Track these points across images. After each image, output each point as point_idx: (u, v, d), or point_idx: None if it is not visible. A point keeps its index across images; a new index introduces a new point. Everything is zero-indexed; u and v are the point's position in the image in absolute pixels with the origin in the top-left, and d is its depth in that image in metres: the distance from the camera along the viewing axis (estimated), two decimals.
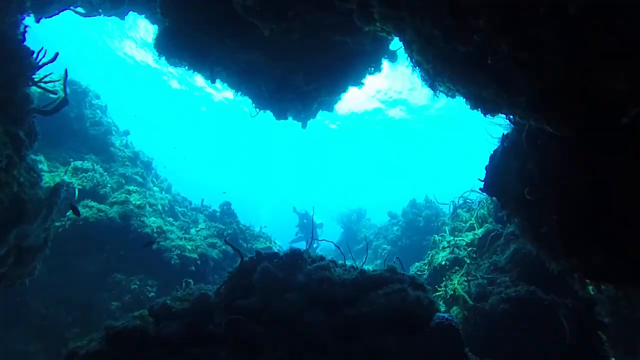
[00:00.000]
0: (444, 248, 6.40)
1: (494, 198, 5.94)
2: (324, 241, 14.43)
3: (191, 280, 4.36)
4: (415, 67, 3.42)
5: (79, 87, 8.97)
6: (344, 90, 6.41)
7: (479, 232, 6.37)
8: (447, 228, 7.73)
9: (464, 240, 6.43)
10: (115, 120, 11.02)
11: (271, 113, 7.88)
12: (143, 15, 6.95)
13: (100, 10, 6.46)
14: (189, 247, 7.85)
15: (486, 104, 3.11)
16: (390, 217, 14.69)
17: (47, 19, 5.26)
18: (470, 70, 2.74)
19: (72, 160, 7.86)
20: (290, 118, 8.76)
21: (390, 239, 13.38)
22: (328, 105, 8.38)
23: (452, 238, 6.47)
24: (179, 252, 7.63)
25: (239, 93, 7.02)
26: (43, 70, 4.46)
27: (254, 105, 7.66)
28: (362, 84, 6.74)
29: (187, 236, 8.36)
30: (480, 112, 3.40)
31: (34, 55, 4.07)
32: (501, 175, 3.53)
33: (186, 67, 6.68)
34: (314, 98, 6.40)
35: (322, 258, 4.18)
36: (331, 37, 5.26)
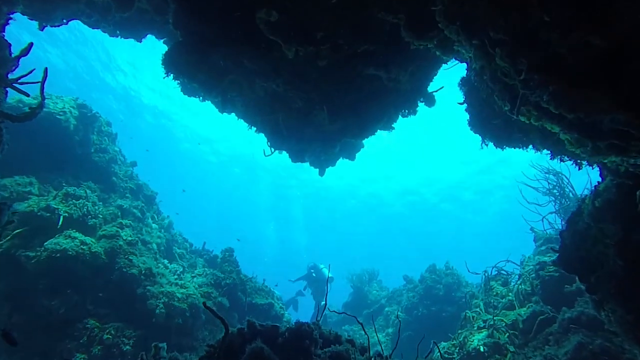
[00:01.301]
0: (479, 329, 5.26)
1: (542, 272, 4.87)
2: (330, 309, 13.26)
3: (164, 346, 3.37)
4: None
5: (88, 111, 8.54)
6: (372, 132, 5.68)
7: (523, 312, 5.24)
8: (480, 303, 6.57)
9: (503, 320, 5.29)
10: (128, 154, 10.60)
11: (287, 153, 7.23)
12: (162, 40, 6.60)
13: (117, 32, 6.12)
14: (179, 296, 6.84)
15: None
16: (406, 281, 13.40)
17: (53, 27, 4.83)
18: None
19: (65, 185, 7.19)
20: (308, 162, 8.09)
21: (405, 306, 12.03)
22: (350, 152, 7.70)
23: (489, 317, 5.33)
24: (166, 300, 6.63)
25: (254, 128, 6.41)
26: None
27: (268, 143, 7.01)
28: (392, 128, 6.05)
29: (179, 282, 7.38)
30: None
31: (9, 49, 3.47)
32: (587, 246, 2.60)
33: (200, 97, 6.19)
34: (337, 139, 5.68)
35: (337, 338, 3.18)
36: (363, 69, 4.63)
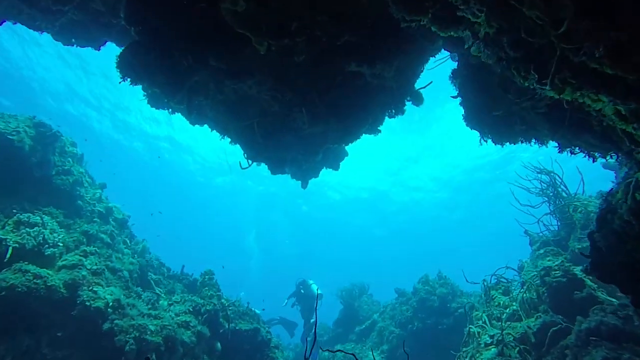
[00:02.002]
0: (487, 345, 4.76)
1: (548, 278, 4.44)
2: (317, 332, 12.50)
3: None
4: None
5: (47, 130, 7.82)
6: (357, 136, 5.21)
7: (532, 324, 4.78)
8: (483, 315, 6.09)
9: (510, 334, 4.81)
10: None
11: (266, 165, 6.72)
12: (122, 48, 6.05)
13: (73, 40, 5.55)
14: (152, 328, 6.13)
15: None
16: (398, 294, 12.86)
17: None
18: None
19: (18, 212, 6.45)
20: (289, 175, 7.61)
21: (399, 320, 11.47)
22: (334, 160, 7.25)
23: (497, 331, 4.84)
24: (137, 334, 5.92)
25: (226, 138, 5.87)
26: None
27: (245, 155, 6.50)
28: (378, 130, 5.60)
29: (153, 312, 6.66)
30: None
31: None
32: (627, 248, 2.15)
33: (169, 109, 5.68)
34: (318, 145, 5.20)
35: None
36: (345, 65, 4.17)
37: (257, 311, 9.16)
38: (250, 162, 6.56)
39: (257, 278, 52.15)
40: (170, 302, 7.96)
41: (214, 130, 5.89)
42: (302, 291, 13.34)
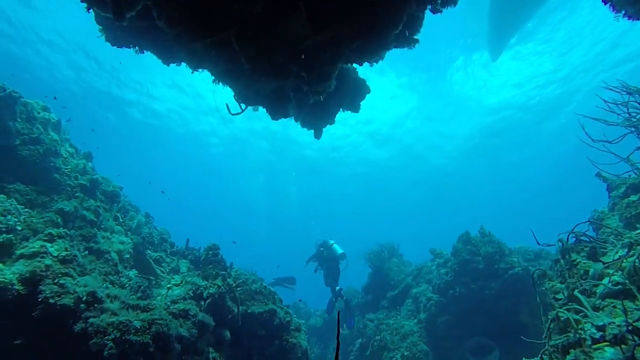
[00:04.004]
0: (595, 342, 3.22)
1: None
2: (340, 297, 11.26)
3: None
4: None
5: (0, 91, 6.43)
6: (384, 45, 3.47)
7: None
8: (561, 288, 4.54)
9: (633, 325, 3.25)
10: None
11: (263, 108, 5.17)
12: None
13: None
14: (137, 325, 4.90)
15: None
16: (434, 255, 11.45)
17: None
18: None
19: None
20: (296, 120, 6.07)
21: (437, 284, 10.11)
22: (353, 96, 5.64)
23: (609, 320, 3.28)
24: (118, 334, 4.70)
25: (204, 73, 4.30)
26: None
27: (235, 97, 4.95)
28: (415, 40, 3.86)
29: (141, 303, 5.43)
30: None
31: None
32: None
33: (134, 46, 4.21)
34: (328, 62, 3.51)
35: None
36: None
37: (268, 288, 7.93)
38: (243, 106, 5.05)
39: (266, 239, 51.75)
40: (169, 286, 6.77)
41: (184, 63, 4.34)
42: (324, 253, 12.09)
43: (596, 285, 4.16)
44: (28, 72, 20.28)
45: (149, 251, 8.28)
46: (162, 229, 10.95)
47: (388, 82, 23.75)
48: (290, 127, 26.83)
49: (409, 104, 25.85)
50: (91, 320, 4.70)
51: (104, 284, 5.56)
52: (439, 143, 30.14)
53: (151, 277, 6.49)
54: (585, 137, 6.48)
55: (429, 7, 3.35)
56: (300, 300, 16.63)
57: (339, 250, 11.73)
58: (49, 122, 7.72)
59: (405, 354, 9.08)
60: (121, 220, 7.99)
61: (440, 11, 3.37)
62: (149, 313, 5.23)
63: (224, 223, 49.41)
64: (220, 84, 4.61)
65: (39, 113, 7.64)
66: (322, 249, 12.12)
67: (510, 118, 26.42)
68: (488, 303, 9.01)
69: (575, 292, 3.91)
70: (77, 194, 7.31)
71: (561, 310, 3.77)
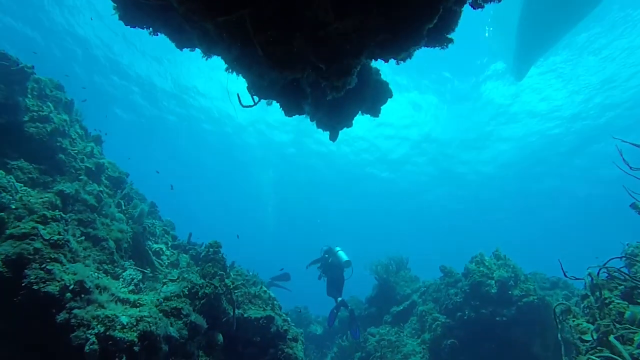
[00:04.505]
0: None
1: None
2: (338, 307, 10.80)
3: None
4: None
5: (12, 64, 6.26)
6: (416, 41, 3.09)
7: None
8: (590, 329, 4.07)
9: None
10: None
11: (277, 104, 4.86)
12: None
13: None
14: (124, 321, 4.60)
15: None
16: (444, 273, 10.95)
17: None
18: None
19: None
20: (312, 120, 5.74)
21: (445, 305, 9.62)
22: (375, 98, 5.31)
23: None
24: (102, 329, 4.41)
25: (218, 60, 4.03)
26: None
27: (248, 88, 4.65)
28: (446, 43, 3.47)
29: (132, 298, 5.15)
30: None
31: None
32: None
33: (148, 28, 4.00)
34: (351, 54, 3.15)
35: None
36: None
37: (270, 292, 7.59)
38: (255, 98, 4.74)
39: (273, 233, 51.40)
40: (164, 281, 6.48)
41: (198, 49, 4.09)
42: (329, 260, 11.66)
43: (635, 332, 3.68)
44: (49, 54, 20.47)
45: (149, 242, 8.05)
46: (167, 221, 10.73)
47: (419, 95, 23.62)
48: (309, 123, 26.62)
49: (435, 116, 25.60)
50: (75, 311, 4.42)
51: (96, 274, 5.28)
52: (470, 161, 29.59)
53: (147, 270, 6.22)
54: (622, 165, 5.98)
55: (468, 0, 2.96)
56: (300, 311, 16.29)
57: (344, 257, 11.31)
58: (60, 102, 7.57)
59: None
60: (124, 207, 7.76)
61: (482, 6, 2.98)
62: (138, 309, 4.94)
63: (232, 214, 49.28)
64: (234, 73, 4.33)
65: (51, 91, 7.50)
66: (326, 255, 11.71)
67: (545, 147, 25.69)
68: (498, 330, 8.50)
69: (611, 338, 3.45)
70: (80, 177, 7.11)
71: (593, 357, 3.32)
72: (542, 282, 10.68)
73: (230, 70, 4.33)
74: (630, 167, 6.04)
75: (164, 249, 8.23)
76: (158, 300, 5.55)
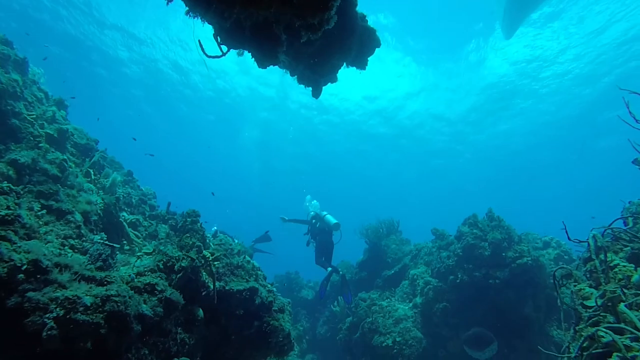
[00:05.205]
0: None
1: None
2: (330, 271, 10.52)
3: None
4: None
5: None
6: None
7: None
8: (593, 294, 3.75)
9: None
10: None
11: (248, 53, 4.25)
12: None
13: None
14: (88, 302, 4.16)
15: None
16: (436, 236, 10.71)
17: None
18: None
19: None
20: (288, 72, 5.22)
21: (437, 268, 9.43)
22: (361, 48, 4.78)
23: None
24: (61, 312, 3.97)
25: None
26: None
27: (214, 35, 4.03)
28: None
29: (98, 275, 4.69)
30: None
31: None
32: None
33: None
34: None
35: None
36: None
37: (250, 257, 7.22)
38: (224, 48, 4.12)
39: (257, 191, 50.96)
40: (139, 254, 6.05)
41: None
42: (316, 225, 11.31)
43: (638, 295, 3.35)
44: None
45: (124, 213, 7.55)
46: (147, 189, 10.19)
47: (395, 59, 22.87)
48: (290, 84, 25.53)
49: (416, 83, 24.88)
50: (30, 294, 3.95)
51: (58, 250, 4.80)
52: (442, 122, 29.00)
53: (116, 245, 5.73)
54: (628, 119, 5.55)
55: None
56: (291, 276, 16.14)
57: (332, 220, 10.94)
58: (9, 59, 6.78)
59: (398, 339, 8.51)
60: (93, 177, 7.18)
61: None
62: (105, 287, 4.49)
63: (214, 174, 48.54)
64: (198, 17, 3.67)
65: None
66: (314, 221, 11.35)
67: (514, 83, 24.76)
68: (491, 293, 8.34)
69: (622, 307, 3.10)
70: (40, 145, 6.46)
71: (602, 329, 2.98)
72: (535, 242, 10.52)
73: (191, 14, 3.65)
74: (637, 121, 5.61)
75: (141, 219, 7.74)
76: (130, 276, 5.11)
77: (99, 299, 4.24)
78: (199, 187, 44.92)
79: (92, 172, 7.28)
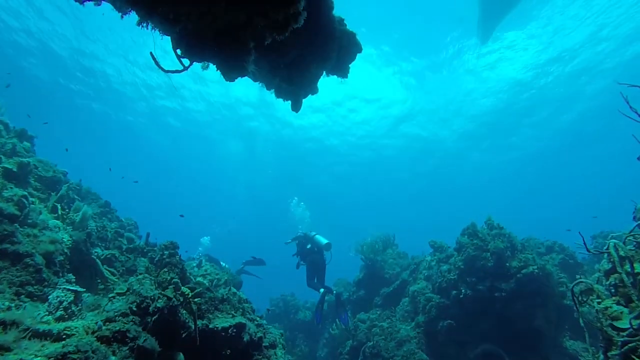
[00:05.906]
0: None
1: None
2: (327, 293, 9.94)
3: None
4: None
5: None
6: None
7: None
8: (622, 310, 3.28)
9: None
10: None
11: (212, 65, 3.78)
12: None
13: None
14: None
15: None
16: (434, 248, 10.21)
17: None
18: None
19: None
20: (263, 86, 4.81)
21: (438, 283, 8.91)
22: (340, 55, 4.41)
23: None
24: None
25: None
26: None
27: (174, 47, 3.57)
28: None
29: (56, 328, 4.09)
30: None
31: None
32: None
33: None
34: None
35: None
36: None
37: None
38: (186, 62, 3.65)
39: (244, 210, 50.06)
40: (112, 295, 5.43)
41: None
42: (306, 246, 10.79)
43: None
44: None
45: (97, 249, 6.95)
46: (127, 219, 9.61)
47: (383, 70, 23.02)
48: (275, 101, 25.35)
49: (406, 93, 24.98)
50: None
51: (7, 303, 4.20)
52: (440, 130, 28.98)
53: (80, 290, 5.12)
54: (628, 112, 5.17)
55: None
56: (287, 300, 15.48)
57: (322, 240, 10.47)
58: None
59: None
60: (60, 212, 6.59)
61: None
62: (62, 343, 3.89)
63: (203, 196, 47.85)
64: (149, 25, 3.20)
65: None
66: (304, 241, 10.85)
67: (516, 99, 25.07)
68: (497, 306, 7.82)
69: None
70: None
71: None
72: (537, 247, 10.08)
73: (142, 24, 3.19)
74: (638, 114, 5.25)
75: (117, 254, 7.14)
76: (97, 323, 4.51)
77: (53, 358, 3.63)
78: (185, 207, 44.11)
79: (60, 207, 6.69)
